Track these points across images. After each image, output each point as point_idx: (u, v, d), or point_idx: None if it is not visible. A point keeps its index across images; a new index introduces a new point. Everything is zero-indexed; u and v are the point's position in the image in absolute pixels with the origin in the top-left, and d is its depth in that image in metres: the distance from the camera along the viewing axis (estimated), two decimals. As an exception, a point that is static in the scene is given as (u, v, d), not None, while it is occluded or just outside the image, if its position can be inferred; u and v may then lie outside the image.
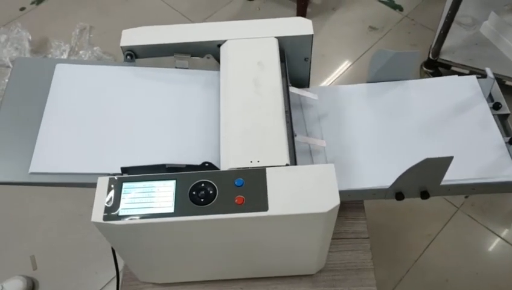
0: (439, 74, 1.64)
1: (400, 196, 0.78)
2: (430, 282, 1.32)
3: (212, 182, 0.64)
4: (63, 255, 1.43)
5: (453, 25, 1.51)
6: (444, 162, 0.70)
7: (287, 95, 0.76)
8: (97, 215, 0.62)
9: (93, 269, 1.40)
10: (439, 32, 1.54)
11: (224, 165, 0.68)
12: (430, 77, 1.67)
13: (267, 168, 0.65)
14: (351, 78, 1.76)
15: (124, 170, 0.69)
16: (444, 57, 1.59)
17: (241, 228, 0.65)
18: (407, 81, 0.89)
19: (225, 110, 0.73)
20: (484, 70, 1.52)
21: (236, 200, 0.63)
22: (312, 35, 0.82)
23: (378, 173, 0.78)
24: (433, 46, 1.60)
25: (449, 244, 1.38)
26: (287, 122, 0.73)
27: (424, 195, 0.78)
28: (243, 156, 0.68)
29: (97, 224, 0.62)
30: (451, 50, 1.59)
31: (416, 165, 0.69)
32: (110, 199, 0.63)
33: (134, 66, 0.83)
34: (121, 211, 0.63)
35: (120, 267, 0.88)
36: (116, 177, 0.66)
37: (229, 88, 0.75)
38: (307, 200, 0.63)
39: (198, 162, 0.70)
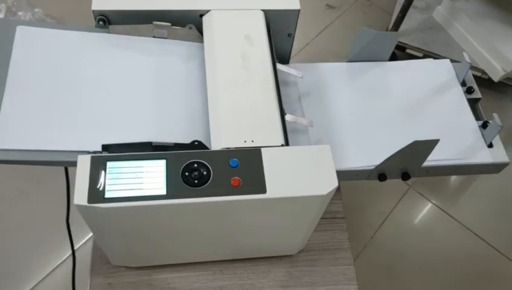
0: (394, 56, 1.68)
1: (382, 177, 0.78)
2: (386, 257, 1.37)
3: (206, 163, 0.61)
4: (7, 237, 1.32)
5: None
6: (430, 145, 0.71)
7: (275, 71, 0.73)
8: (80, 197, 0.57)
9: (43, 251, 1.31)
10: (397, 15, 1.56)
11: (216, 145, 0.64)
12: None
13: (262, 149, 0.62)
14: (308, 57, 1.75)
15: (105, 147, 0.64)
16: (400, 39, 1.62)
17: (236, 211, 0.62)
18: (385, 62, 0.89)
19: (213, 85, 0.69)
20: (438, 55, 1.57)
21: (232, 182, 0.60)
22: (299, 10, 0.79)
23: (361, 153, 0.78)
24: (390, 28, 1.63)
25: (402, 220, 1.44)
26: (278, 100, 0.70)
27: (405, 176, 0.79)
28: (236, 135, 0.64)
29: (81, 207, 0.57)
30: (407, 33, 1.63)
31: (405, 147, 0.69)
32: (94, 179, 0.58)
33: (108, 32, 0.76)
34: (108, 193, 0.57)
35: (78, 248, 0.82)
36: (99, 156, 0.60)
37: (216, 62, 0.71)
38: (304, 182, 0.61)
39: (184, 141, 0.65)
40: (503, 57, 1.51)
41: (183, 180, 0.59)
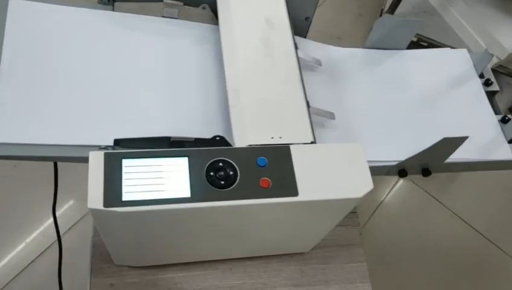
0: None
1: (403, 173, 0.75)
2: (378, 245, 1.36)
3: (231, 161, 0.55)
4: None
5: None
6: (458, 142, 0.68)
7: (297, 59, 0.68)
8: (95, 200, 0.50)
9: (22, 239, 1.22)
10: (393, -4, 1.52)
11: (241, 141, 0.59)
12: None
13: (291, 146, 0.57)
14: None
15: (117, 142, 0.57)
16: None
17: (263, 213, 0.57)
18: (403, 51, 0.85)
19: (233, 74, 0.63)
20: (432, 40, 1.54)
21: (261, 183, 0.55)
22: (320, -8, 0.73)
23: (380, 148, 0.74)
24: (385, 10, 1.59)
25: (394, 208, 1.43)
26: (304, 92, 0.65)
27: (426, 172, 0.76)
28: (262, 131, 0.59)
29: (95, 211, 0.50)
30: (402, 16, 1.59)
31: (435, 144, 0.65)
32: (109, 179, 0.52)
33: (112, 10, 0.68)
34: (125, 195, 0.51)
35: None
36: (113, 152, 0.53)
37: (235, 48, 0.65)
38: (338, 183, 0.57)
39: (203, 136, 0.60)
40: (497, 44, 1.50)
41: (208, 181, 0.54)
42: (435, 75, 0.83)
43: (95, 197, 0.50)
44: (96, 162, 0.52)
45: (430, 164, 0.75)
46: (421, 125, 0.77)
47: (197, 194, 0.53)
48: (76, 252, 1.02)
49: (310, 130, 0.60)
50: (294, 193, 0.55)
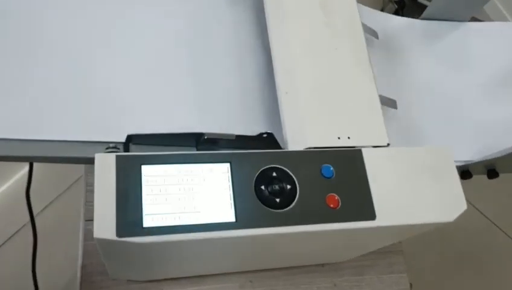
0: (403, 4, 1.49)
1: (467, 175, 0.62)
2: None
3: (287, 170, 0.41)
4: None
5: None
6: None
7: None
8: (104, 226, 0.35)
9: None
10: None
11: (297, 142, 0.44)
12: (394, 6, 1.51)
13: (363, 150, 0.43)
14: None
15: (130, 138, 0.42)
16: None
17: (326, 237, 0.44)
18: (465, 23, 0.70)
19: (282, 50, 0.48)
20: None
21: (327, 201, 0.41)
22: None
23: (446, 144, 0.61)
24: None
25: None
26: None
27: (492, 174, 0.63)
28: (326, 128, 0.44)
29: (105, 241, 0.36)
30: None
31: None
32: (123, 195, 0.36)
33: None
34: (147, 220, 0.36)
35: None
36: (128, 155, 0.38)
37: (284, 16, 0.49)
38: (423, 201, 0.43)
39: (246, 133, 0.45)
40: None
41: (259, 198, 0.39)
42: (500, 52, 0.70)
43: (105, 222, 0.35)
44: (105, 169, 0.37)
45: (499, 164, 0.62)
46: (489, 114, 0.64)
47: (244, 218, 0.38)
48: (51, 235, 0.87)
49: (384, 128, 0.46)
50: (371, 215, 0.41)
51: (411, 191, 0.43)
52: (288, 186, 0.40)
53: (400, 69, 0.63)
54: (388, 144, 0.45)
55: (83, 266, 0.60)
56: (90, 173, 0.63)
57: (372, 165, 0.43)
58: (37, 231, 0.74)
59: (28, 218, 0.71)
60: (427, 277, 1.27)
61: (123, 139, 0.41)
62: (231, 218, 0.38)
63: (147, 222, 0.36)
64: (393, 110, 0.57)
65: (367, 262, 0.69)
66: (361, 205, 0.41)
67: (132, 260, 0.46)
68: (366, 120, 0.46)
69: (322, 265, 0.67)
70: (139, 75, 0.46)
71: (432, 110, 0.61)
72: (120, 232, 0.35)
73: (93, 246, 0.61)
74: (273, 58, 0.47)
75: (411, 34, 0.66)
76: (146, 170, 0.38)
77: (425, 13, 0.68)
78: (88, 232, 0.62)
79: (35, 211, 0.73)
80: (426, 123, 0.60)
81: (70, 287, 0.94)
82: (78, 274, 0.59)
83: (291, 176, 0.41)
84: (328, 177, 0.41)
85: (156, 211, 0.37)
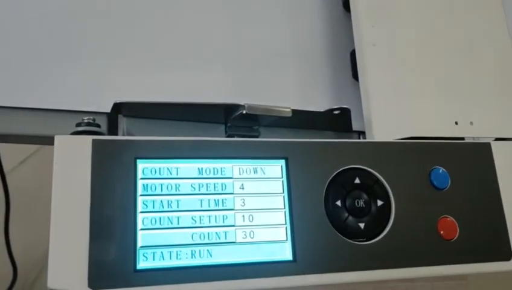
0: None
1: None
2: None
3: (378, 174, 0.25)
4: None
5: None
6: None
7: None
8: (67, 270, 0.20)
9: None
10: None
11: (388, 127, 0.27)
12: None
13: (493, 144, 0.27)
14: None
15: (117, 108, 0.25)
16: None
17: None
18: None
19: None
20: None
21: (439, 228, 0.25)
22: None
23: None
24: None
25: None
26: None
27: None
28: (438, 108, 0.28)
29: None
30: None
31: None
32: (101, 212, 0.21)
33: None
34: (142, 257, 0.21)
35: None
36: (113, 139, 0.22)
37: None
38: None
39: (306, 107, 0.28)
40: None
41: (331, 220, 0.23)
42: None
43: (68, 262, 0.20)
44: (72, 163, 0.21)
45: None
46: None
47: (308, 255, 0.23)
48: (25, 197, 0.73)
49: (521, 111, 0.29)
50: (504, 253, 0.25)
51: None
52: (380, 203, 0.24)
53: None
54: (528, 135, 0.29)
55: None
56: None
57: (507, 169, 0.27)
58: (9, 193, 0.59)
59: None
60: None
61: (107, 109, 0.25)
62: (287, 255, 0.22)
63: (143, 262, 0.21)
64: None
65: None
66: (489, 235, 0.26)
67: None
68: (495, 96, 0.29)
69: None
70: (140, 11, 0.29)
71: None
72: (95, 281, 0.20)
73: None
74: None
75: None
76: (144, 168, 0.22)
77: None
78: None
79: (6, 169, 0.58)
80: None
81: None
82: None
83: (383, 185, 0.25)
84: (441, 189, 0.25)
85: (158, 241, 0.21)
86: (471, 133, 0.27)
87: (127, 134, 0.26)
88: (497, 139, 0.28)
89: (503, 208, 0.26)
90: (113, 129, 0.26)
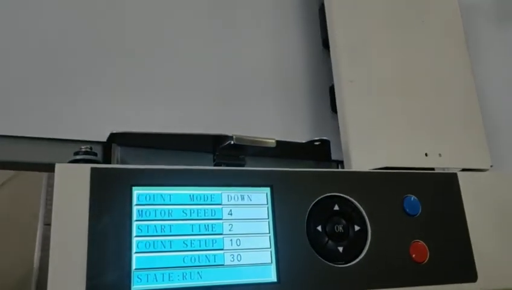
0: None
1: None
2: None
3: (355, 202, 0.27)
4: None
5: None
6: None
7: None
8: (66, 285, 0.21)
9: None
10: None
11: (364, 158, 0.30)
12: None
13: (459, 174, 0.29)
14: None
15: (112, 138, 0.27)
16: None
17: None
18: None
19: (347, 21, 0.33)
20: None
21: (411, 251, 0.27)
22: None
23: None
24: None
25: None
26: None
27: None
28: (410, 140, 0.30)
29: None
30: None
31: None
32: (98, 235, 0.22)
33: None
34: (137, 279, 0.22)
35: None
36: (110, 167, 0.23)
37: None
38: (539, 255, 0.30)
39: (288, 138, 0.31)
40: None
41: (312, 244, 0.25)
42: None
43: (66, 282, 0.21)
44: (71, 189, 0.22)
45: None
46: None
47: (291, 276, 0.24)
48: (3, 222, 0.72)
49: (485, 143, 0.32)
50: (470, 275, 0.28)
51: (522, 237, 0.29)
52: (357, 228, 0.26)
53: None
54: (491, 166, 0.32)
55: (38, 281, 0.46)
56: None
57: (472, 197, 0.29)
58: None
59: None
60: None
61: (103, 138, 0.26)
62: (271, 277, 0.24)
63: (138, 284, 0.22)
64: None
65: None
66: (456, 259, 0.28)
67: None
68: (462, 130, 0.32)
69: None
70: (136, 47, 0.31)
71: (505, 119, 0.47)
72: (92, 300, 0.21)
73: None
74: (330, 29, 0.32)
75: (480, 10, 0.52)
76: (139, 194, 0.23)
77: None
78: (47, 240, 0.47)
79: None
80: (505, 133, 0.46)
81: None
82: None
83: (360, 212, 0.27)
84: (413, 215, 0.28)
85: (151, 264, 0.23)
86: (439, 164, 0.30)
87: (121, 162, 0.27)
88: (463, 169, 0.31)
89: (468, 233, 0.28)
90: (107, 157, 0.27)
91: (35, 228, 0.48)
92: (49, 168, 0.26)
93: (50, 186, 0.46)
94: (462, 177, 0.29)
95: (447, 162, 0.30)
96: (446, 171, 0.30)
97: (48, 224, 0.47)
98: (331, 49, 0.32)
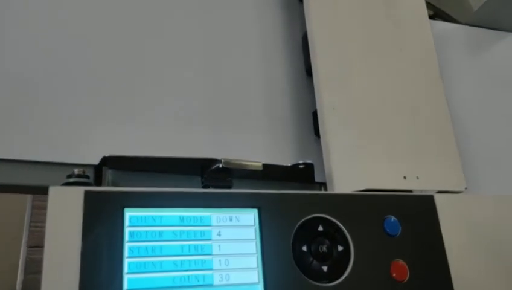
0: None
1: None
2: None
3: (338, 223, 0.28)
4: None
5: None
6: None
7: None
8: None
9: None
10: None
11: (346, 180, 0.31)
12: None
13: (436, 196, 0.31)
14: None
15: (104, 162, 0.28)
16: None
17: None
18: None
19: (329, 50, 0.35)
20: (448, 15, 1.30)
21: (392, 270, 0.28)
22: None
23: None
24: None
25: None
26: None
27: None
28: (390, 163, 0.32)
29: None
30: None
31: None
32: (91, 257, 0.23)
33: None
34: (129, 297, 0.23)
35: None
36: (103, 190, 0.24)
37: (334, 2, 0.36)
38: (512, 273, 0.31)
39: (271, 161, 0.32)
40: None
41: (298, 264, 0.26)
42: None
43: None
44: (64, 212, 0.23)
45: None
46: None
47: (278, 296, 0.25)
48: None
49: (460, 166, 0.33)
50: (448, 291, 0.29)
51: (497, 255, 0.31)
52: (340, 248, 0.27)
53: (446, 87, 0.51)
54: (466, 188, 0.33)
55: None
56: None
57: (448, 218, 0.31)
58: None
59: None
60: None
61: (95, 162, 0.27)
62: (258, 296, 0.25)
63: (129, 304, 0.23)
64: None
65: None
66: (435, 277, 0.29)
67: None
68: (438, 154, 0.33)
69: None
70: (126, 73, 0.32)
71: (475, 140, 0.50)
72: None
73: (37, 282, 0.47)
74: (313, 58, 0.34)
75: (455, 41, 0.55)
76: (131, 216, 0.24)
77: (467, 18, 0.57)
78: (30, 263, 0.47)
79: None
80: (473, 159, 0.48)
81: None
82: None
83: (343, 232, 0.28)
84: (393, 235, 0.29)
85: (143, 284, 0.23)
86: (417, 186, 0.31)
87: (112, 184, 0.28)
88: (439, 191, 0.32)
89: (445, 252, 0.30)
90: (98, 180, 0.28)
91: (17, 250, 0.47)
92: (35, 190, 0.27)
93: (35, 208, 0.46)
94: (439, 199, 0.31)
95: (424, 184, 0.31)
96: (423, 193, 0.31)
97: (31, 246, 0.46)
98: (313, 77, 0.34)
